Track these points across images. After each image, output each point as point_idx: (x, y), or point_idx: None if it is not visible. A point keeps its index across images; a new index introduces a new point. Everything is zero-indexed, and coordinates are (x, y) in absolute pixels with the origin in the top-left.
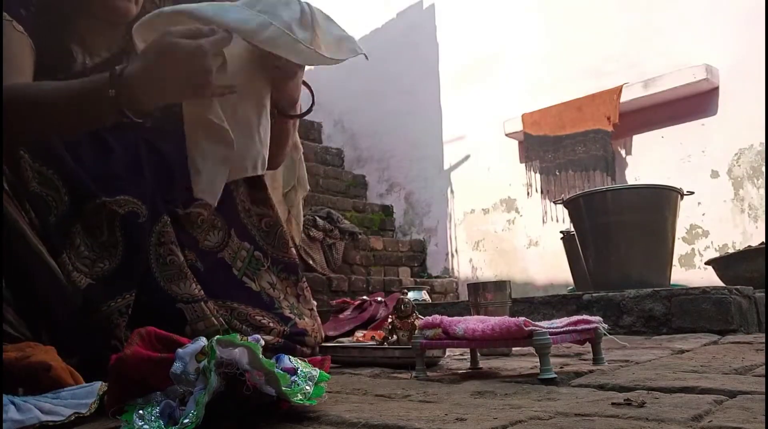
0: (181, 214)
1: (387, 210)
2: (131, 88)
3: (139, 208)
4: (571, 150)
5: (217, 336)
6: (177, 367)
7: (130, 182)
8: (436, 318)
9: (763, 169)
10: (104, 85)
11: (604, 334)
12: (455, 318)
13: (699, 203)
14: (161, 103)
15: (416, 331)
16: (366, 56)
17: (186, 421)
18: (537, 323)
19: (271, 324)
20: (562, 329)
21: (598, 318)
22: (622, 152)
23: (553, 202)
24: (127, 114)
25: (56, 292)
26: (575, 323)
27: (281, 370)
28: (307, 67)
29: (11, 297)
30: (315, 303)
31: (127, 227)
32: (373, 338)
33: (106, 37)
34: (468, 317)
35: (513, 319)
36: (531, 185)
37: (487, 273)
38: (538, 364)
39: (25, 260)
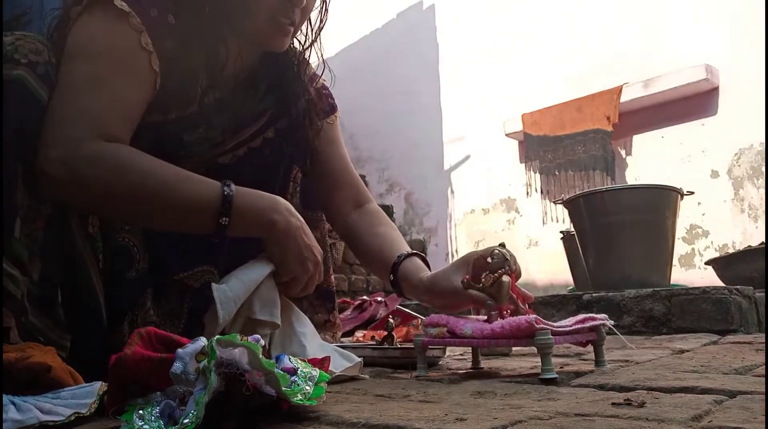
0: None
1: (387, 210)
2: (242, 217)
3: (213, 278)
4: (571, 150)
5: (217, 336)
6: (177, 367)
7: (208, 251)
8: (443, 317)
9: (763, 169)
10: (215, 205)
11: (609, 329)
12: (460, 318)
13: (699, 203)
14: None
15: (419, 328)
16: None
17: (186, 421)
18: (548, 322)
19: None
20: (571, 327)
21: (603, 315)
22: (622, 152)
23: (553, 202)
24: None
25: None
26: (582, 321)
27: (281, 370)
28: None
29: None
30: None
31: (197, 301)
32: (373, 338)
33: (242, 60)
34: (471, 317)
35: (524, 317)
36: (531, 185)
37: None
38: (538, 364)
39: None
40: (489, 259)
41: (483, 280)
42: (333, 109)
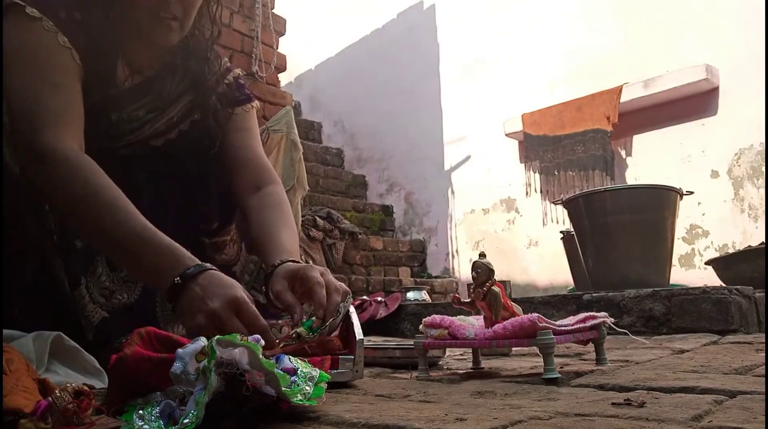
0: (207, 243)
1: (387, 210)
2: (184, 306)
3: None
4: (571, 150)
5: (217, 336)
6: (177, 367)
7: (155, 218)
8: (445, 319)
9: (763, 169)
10: (171, 279)
11: (610, 327)
12: (463, 323)
13: (699, 203)
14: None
15: (420, 327)
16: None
17: (186, 421)
18: (549, 321)
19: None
20: (572, 327)
21: (603, 313)
22: (622, 152)
23: (553, 202)
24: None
25: (68, 321)
26: (583, 320)
27: (281, 370)
28: (307, 66)
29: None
30: None
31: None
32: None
33: (150, 57)
34: (471, 318)
35: (526, 316)
36: (531, 185)
37: None
38: (538, 363)
39: (41, 280)
40: (473, 274)
41: (472, 295)
42: (249, 98)
